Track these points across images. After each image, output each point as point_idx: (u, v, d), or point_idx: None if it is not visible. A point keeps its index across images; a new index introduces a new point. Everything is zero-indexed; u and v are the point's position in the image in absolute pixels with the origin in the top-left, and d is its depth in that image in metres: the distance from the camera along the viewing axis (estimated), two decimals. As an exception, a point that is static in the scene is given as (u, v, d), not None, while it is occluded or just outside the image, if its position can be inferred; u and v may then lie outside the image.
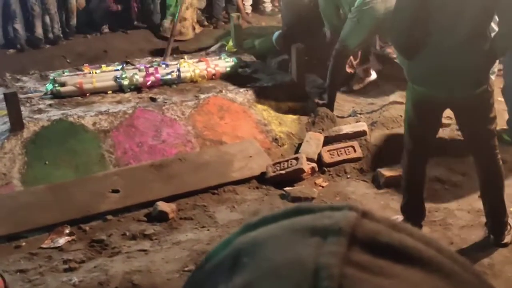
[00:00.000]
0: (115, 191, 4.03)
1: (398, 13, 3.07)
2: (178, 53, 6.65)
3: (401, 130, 3.51)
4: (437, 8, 2.94)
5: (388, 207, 3.87)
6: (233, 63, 5.55)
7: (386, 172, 4.18)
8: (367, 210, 0.40)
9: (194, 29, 8.05)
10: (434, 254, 0.39)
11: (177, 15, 6.64)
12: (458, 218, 3.71)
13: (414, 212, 3.44)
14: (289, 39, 5.73)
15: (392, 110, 4.99)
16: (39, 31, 7.78)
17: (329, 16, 5.32)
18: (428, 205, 3.54)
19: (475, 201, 3.74)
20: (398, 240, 0.38)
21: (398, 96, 5.19)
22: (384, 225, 0.39)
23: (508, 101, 4.66)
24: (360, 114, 5.09)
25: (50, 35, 7.88)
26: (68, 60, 7.23)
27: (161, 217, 3.82)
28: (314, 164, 4.37)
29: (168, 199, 3.97)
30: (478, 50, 2.96)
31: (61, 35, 7.90)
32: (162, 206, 3.86)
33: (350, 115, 5.10)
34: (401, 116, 4.40)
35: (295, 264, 0.36)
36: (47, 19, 7.84)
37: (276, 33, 6.29)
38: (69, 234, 3.70)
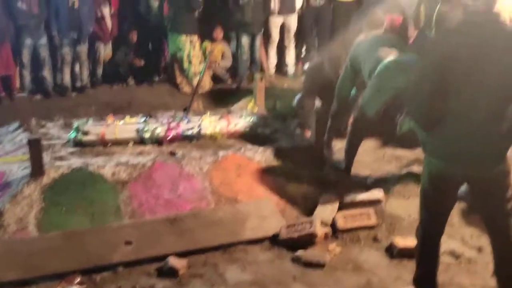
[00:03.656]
0: (128, 242, 4.04)
1: (417, 86, 3.10)
2: (201, 108, 6.78)
3: (418, 200, 3.50)
4: (456, 87, 2.95)
5: (400, 278, 3.81)
6: (253, 123, 5.63)
7: (401, 242, 4.13)
8: None
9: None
10: None
11: (202, 72, 6.79)
12: (472, 295, 3.64)
13: (426, 286, 3.39)
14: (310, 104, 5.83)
15: (409, 179, 4.98)
16: (67, 79, 8.00)
17: (344, 85, 5.35)
18: (441, 279, 3.49)
19: (490, 278, 3.67)
20: None
21: (417, 165, 5.19)
22: None
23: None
24: (376, 181, 5.08)
25: (78, 83, 8.09)
26: (93, 109, 7.38)
27: (171, 272, 3.81)
28: (328, 229, 4.36)
29: (180, 254, 3.97)
30: (495, 131, 2.94)
31: (88, 84, 8.11)
32: (173, 261, 3.85)
33: (366, 182, 5.10)
34: (419, 185, 4.39)
35: None
36: (77, 67, 8.07)
37: (298, 96, 6.39)
38: (80, 283, 3.70)
